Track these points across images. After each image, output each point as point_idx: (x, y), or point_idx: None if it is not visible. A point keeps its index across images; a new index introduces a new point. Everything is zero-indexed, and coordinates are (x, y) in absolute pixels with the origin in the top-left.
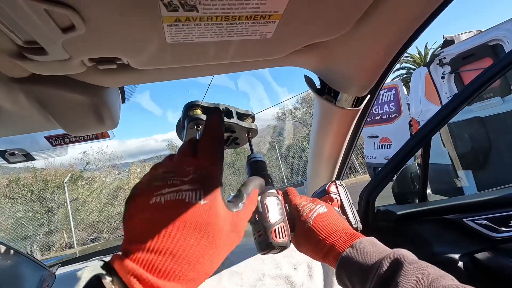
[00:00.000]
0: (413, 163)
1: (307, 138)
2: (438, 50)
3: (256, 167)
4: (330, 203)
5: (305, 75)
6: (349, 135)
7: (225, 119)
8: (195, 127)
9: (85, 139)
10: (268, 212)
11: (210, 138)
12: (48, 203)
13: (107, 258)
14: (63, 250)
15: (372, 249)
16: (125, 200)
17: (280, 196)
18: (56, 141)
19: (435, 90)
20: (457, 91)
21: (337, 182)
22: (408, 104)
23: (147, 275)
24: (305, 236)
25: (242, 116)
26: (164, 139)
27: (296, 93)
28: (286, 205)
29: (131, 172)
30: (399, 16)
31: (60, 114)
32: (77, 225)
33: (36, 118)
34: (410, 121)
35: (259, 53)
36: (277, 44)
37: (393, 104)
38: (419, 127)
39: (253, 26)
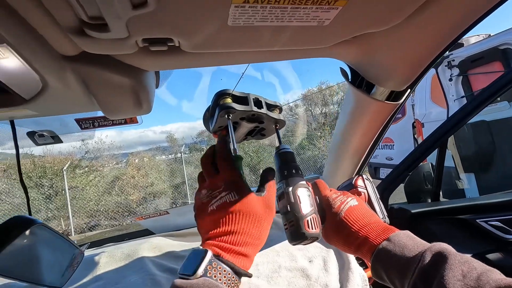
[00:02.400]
0: (427, 163)
1: (306, 136)
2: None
3: (286, 158)
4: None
5: (341, 68)
6: (379, 130)
7: (255, 109)
8: (226, 116)
9: (114, 123)
10: (300, 203)
11: (220, 159)
12: (46, 190)
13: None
14: None
15: (410, 242)
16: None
17: (310, 188)
18: (86, 124)
19: (442, 92)
20: (463, 94)
21: (364, 176)
22: (413, 106)
23: (224, 244)
24: (336, 228)
25: (270, 107)
26: (163, 131)
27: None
28: (316, 197)
29: (129, 162)
30: (454, 10)
31: (102, 95)
32: (74, 213)
33: (78, 98)
34: (414, 122)
35: (310, 41)
36: (330, 32)
37: None
38: (422, 129)
39: (315, 12)
